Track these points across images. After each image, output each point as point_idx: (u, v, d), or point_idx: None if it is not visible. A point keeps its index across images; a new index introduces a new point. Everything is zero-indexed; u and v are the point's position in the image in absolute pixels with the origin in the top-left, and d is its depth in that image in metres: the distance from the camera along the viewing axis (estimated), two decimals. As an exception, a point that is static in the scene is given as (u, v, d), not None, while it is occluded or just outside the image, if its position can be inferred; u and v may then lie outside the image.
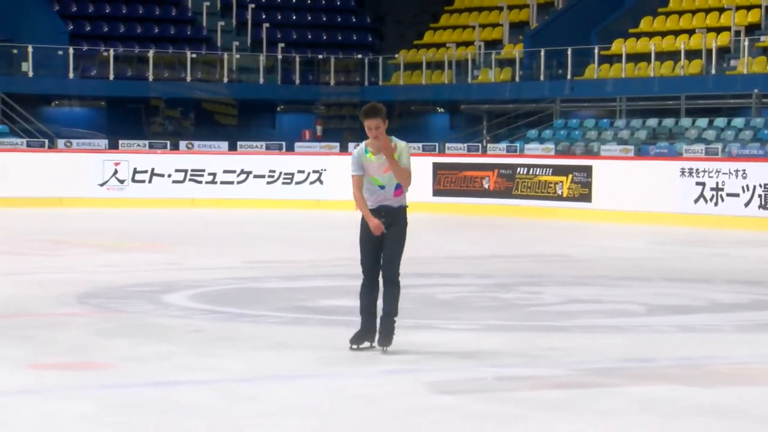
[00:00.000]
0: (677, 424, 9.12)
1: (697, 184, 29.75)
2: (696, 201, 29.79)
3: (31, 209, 31.87)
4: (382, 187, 11.46)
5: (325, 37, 44.52)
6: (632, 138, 35.15)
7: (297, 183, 35.94)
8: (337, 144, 38.04)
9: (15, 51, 39.46)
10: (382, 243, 11.59)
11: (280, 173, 36.13)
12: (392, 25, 46.64)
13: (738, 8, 36.93)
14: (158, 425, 8.94)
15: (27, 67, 39.16)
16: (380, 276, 11.69)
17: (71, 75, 39.57)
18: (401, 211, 11.72)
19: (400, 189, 11.59)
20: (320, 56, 42.82)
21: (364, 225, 11.52)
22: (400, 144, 11.37)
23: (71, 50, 39.55)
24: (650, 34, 38.34)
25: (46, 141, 36.18)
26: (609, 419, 9.19)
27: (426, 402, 9.81)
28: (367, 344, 11.52)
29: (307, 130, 40.61)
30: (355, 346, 11.44)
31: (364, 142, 11.52)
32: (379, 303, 11.62)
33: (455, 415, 9.28)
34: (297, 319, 14.28)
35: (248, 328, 13.93)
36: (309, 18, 45.31)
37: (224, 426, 9.12)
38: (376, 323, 11.46)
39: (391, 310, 11.44)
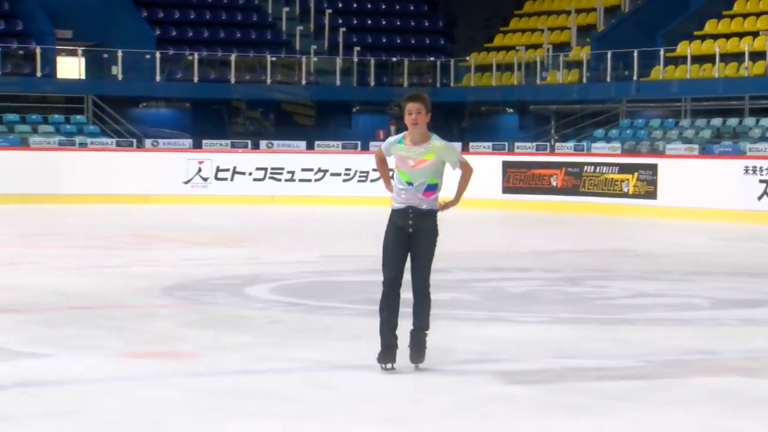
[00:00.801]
0: (744, 413, 9.07)
1: (761, 181, 29.47)
2: (759, 198, 29.53)
3: (120, 206, 32.09)
4: (410, 184, 10.07)
5: (399, 41, 44.54)
6: (697, 137, 34.92)
7: (371, 181, 35.85)
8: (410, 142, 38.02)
9: (105, 55, 39.78)
10: (411, 249, 10.17)
11: (356, 171, 36.33)
12: (463, 28, 46.61)
13: (800, 11, 36.69)
14: (241, 411, 9.01)
15: (117, 70, 39.45)
16: (400, 287, 10.26)
17: (158, 78, 39.84)
18: (431, 215, 10.20)
19: (432, 191, 10.12)
20: (394, 59, 42.83)
21: (391, 227, 10.18)
22: (439, 143, 10.08)
23: (158, 54, 39.80)
24: (714, 36, 38.07)
25: (134, 141, 36.44)
26: (675, 410, 9.16)
27: (498, 391, 9.79)
28: (391, 365, 10.20)
29: (381, 130, 40.60)
30: (388, 366, 10.16)
31: (402, 133, 10.27)
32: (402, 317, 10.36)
33: (526, 405, 9.28)
34: (371, 311, 14.21)
35: (325, 319, 13.99)
36: (383, 22, 45.34)
37: (304, 413, 9.14)
38: (397, 339, 10.21)
39: (422, 325, 10.25)
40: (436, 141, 10.06)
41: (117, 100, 38.83)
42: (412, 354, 10.24)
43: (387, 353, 10.07)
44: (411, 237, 10.05)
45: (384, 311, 10.17)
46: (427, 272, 10.18)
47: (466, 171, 10.24)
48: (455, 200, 10.17)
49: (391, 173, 10.35)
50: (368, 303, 15.06)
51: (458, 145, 11.08)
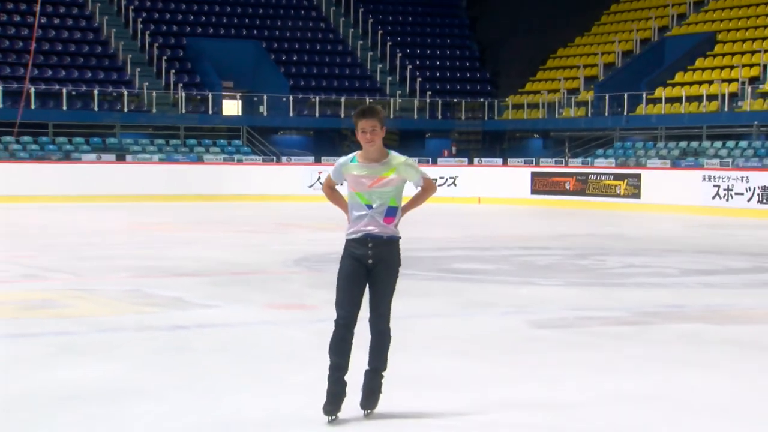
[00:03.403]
0: (704, 348, 9.24)
1: (714, 186, 29.30)
2: (713, 198, 29.37)
3: (265, 203, 32.34)
4: (369, 207, 6.33)
5: (458, 87, 44.39)
6: (669, 155, 34.69)
7: (438, 185, 35.79)
8: (466, 159, 37.97)
9: (255, 98, 40.15)
10: (370, 282, 6.49)
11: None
12: (504, 78, 46.48)
13: (743, 65, 36.22)
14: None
15: (263, 109, 39.81)
16: (354, 327, 6.56)
17: (291, 114, 40.08)
18: (393, 244, 6.49)
19: (393, 216, 6.42)
20: (455, 100, 42.73)
21: (347, 258, 6.51)
22: (399, 159, 6.46)
23: (291, 98, 40.07)
24: (681, 84, 37.68)
25: (275, 158, 36.70)
26: (654, 346, 9.26)
27: (529, 334, 9.90)
28: (335, 416, 6.39)
29: (445, 150, 40.57)
30: (333, 417, 6.36)
31: (355, 152, 6.58)
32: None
33: (550, 344, 9.43)
34: (438, 277, 14.35)
35: (402, 282, 13.93)
36: (447, 74, 45.22)
37: (399, 347, 9.18)
38: (346, 385, 6.41)
39: (379, 366, 6.46)
40: (396, 157, 6.46)
41: (263, 129, 39.15)
42: (363, 399, 6.40)
43: (335, 402, 6.30)
44: (370, 269, 6.38)
45: (335, 354, 6.41)
46: (387, 307, 6.53)
47: (429, 187, 6.77)
48: (403, 210, 6.58)
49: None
50: (435, 271, 15.03)
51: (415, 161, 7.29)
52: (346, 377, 6.32)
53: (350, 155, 6.47)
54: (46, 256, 16.28)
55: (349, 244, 6.38)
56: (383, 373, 6.43)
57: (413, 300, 11.78)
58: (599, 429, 6.48)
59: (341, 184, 6.55)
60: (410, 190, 6.55)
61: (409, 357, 8.48)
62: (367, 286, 6.43)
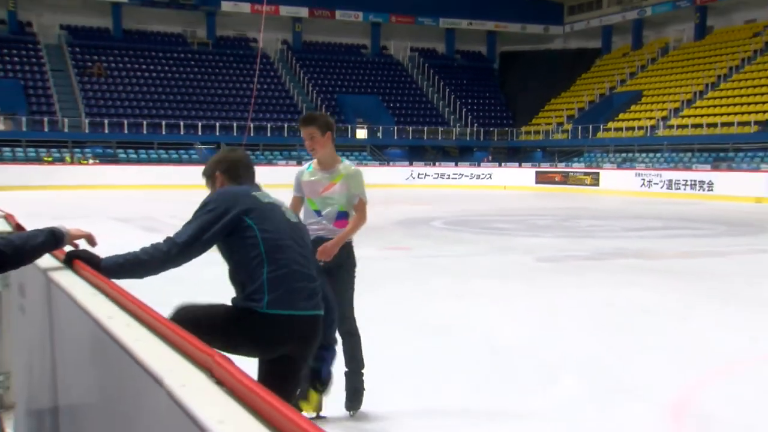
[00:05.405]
0: (639, 273, 9.08)
1: (642, 179, 29.08)
2: (641, 186, 28.88)
3: (380, 189, 32.08)
4: (318, 213, 3.99)
5: (493, 121, 43.32)
6: (616, 161, 34.15)
7: (479, 178, 35.74)
8: (497, 163, 37.71)
9: (375, 128, 39.93)
10: (331, 286, 3.21)
11: (472, 174, 36.00)
12: (520, 116, 45.46)
13: (659, 109, 35.33)
14: (439, 272, 9.03)
15: (379, 134, 39.53)
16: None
17: (395, 137, 39.82)
18: (346, 246, 4.00)
19: (344, 219, 4.05)
20: (490, 129, 41.99)
21: None
22: (349, 168, 4.11)
23: (395, 127, 39.92)
24: (623, 120, 36.78)
25: (387, 161, 36.99)
26: (608, 273, 9.18)
27: (534, 266, 9.65)
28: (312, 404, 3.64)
29: (485, 158, 40.31)
30: (317, 414, 3.77)
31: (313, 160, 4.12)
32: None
33: (547, 270, 9.29)
34: (480, 232, 14.07)
35: (458, 235, 13.69)
36: (486, 113, 44.16)
37: (458, 274, 9.13)
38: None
39: (356, 366, 4.02)
40: (347, 167, 4.14)
41: (379, 146, 39.23)
42: (347, 400, 4.00)
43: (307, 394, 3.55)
44: (327, 273, 3.62)
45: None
46: (350, 309, 3.98)
47: (360, 215, 4.14)
48: (335, 242, 3.90)
49: None
50: (486, 231, 14.89)
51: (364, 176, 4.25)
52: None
53: (305, 164, 4.14)
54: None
55: None
56: (362, 371, 4.03)
57: (466, 246, 11.83)
58: (579, 322, 6.30)
59: (302, 195, 4.06)
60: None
61: (461, 279, 8.47)
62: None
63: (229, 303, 2.42)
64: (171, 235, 2.39)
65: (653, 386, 4.48)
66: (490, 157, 40.40)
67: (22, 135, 31.92)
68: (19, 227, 3.08)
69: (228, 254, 2.44)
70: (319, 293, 2.50)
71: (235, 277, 2.43)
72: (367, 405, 4.03)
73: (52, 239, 2.18)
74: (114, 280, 1.88)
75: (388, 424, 3.84)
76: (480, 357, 5.13)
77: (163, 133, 34.79)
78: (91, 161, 31.60)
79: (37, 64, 36.17)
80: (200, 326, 2.09)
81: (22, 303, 2.59)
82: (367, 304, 5.23)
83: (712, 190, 26.68)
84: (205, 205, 2.42)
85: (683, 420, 3.94)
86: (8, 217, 3.49)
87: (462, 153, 40.93)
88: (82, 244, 2.38)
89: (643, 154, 33.82)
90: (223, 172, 2.64)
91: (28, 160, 30.85)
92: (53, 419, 2.00)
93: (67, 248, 2.32)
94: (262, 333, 2.29)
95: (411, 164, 36.79)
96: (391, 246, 11.46)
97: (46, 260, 2.21)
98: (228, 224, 2.36)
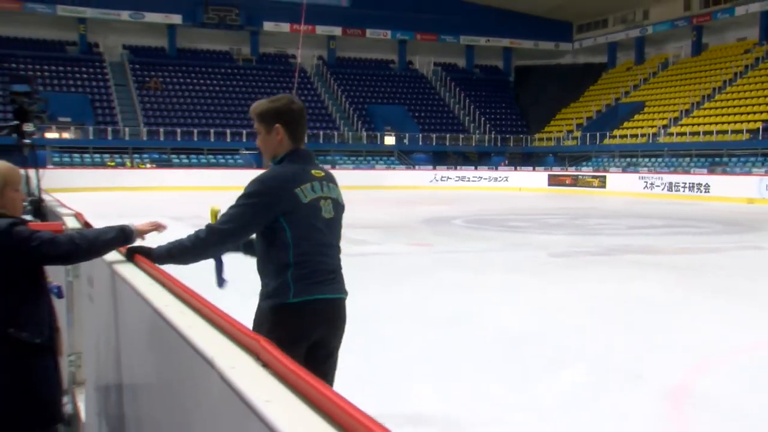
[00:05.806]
0: (644, 268, 8.96)
1: (644, 182, 28.64)
2: (644, 188, 28.49)
3: (406, 191, 32.08)
4: None
5: (509, 129, 42.98)
6: (621, 165, 33.65)
7: (497, 181, 35.44)
8: (513, 167, 37.39)
9: (401, 135, 39.72)
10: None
11: (490, 177, 35.72)
12: (533, 124, 45.05)
13: (659, 118, 34.74)
14: (456, 265, 8.88)
15: (405, 140, 39.14)
16: None
17: (420, 143, 39.49)
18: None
19: None
20: (507, 136, 41.63)
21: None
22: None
23: (420, 135, 39.78)
24: (627, 128, 36.34)
25: (413, 166, 36.84)
26: (615, 267, 9.05)
27: (546, 260, 9.56)
28: None
29: (502, 162, 40.02)
30: None
31: None
32: None
33: (559, 264, 9.18)
34: (498, 229, 13.99)
35: (478, 233, 13.59)
36: (503, 122, 43.88)
37: (480, 268, 8.99)
38: None
39: None
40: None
41: (406, 151, 38.85)
42: None
43: None
44: None
45: None
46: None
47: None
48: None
49: None
50: (506, 229, 14.78)
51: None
52: None
53: None
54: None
55: None
56: None
57: (485, 243, 11.74)
58: (588, 312, 6.27)
59: None
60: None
61: (478, 273, 8.41)
62: None
63: (258, 300, 2.26)
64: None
65: (658, 373, 4.42)
66: (506, 162, 40.10)
67: (89, 143, 32.76)
68: (87, 225, 3.19)
69: (258, 243, 2.30)
70: (341, 280, 2.36)
71: (263, 270, 2.29)
72: (385, 389, 3.98)
73: (121, 235, 2.22)
74: (171, 273, 1.82)
75: (407, 411, 3.67)
76: (493, 346, 5.07)
77: (212, 140, 35.21)
78: (148, 165, 32.29)
79: (102, 80, 37.09)
80: None
81: (90, 292, 2.68)
82: (393, 296, 5.36)
83: (708, 191, 26.34)
84: (249, 194, 2.21)
85: (682, 407, 3.85)
86: (78, 216, 3.66)
87: (481, 158, 40.70)
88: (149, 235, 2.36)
89: (646, 159, 33.33)
90: (284, 124, 2.29)
91: (94, 165, 31.89)
92: (118, 395, 2.05)
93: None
94: (294, 323, 2.19)
95: (434, 168, 36.69)
96: (415, 242, 11.43)
97: (110, 254, 2.27)
98: (265, 220, 2.22)
